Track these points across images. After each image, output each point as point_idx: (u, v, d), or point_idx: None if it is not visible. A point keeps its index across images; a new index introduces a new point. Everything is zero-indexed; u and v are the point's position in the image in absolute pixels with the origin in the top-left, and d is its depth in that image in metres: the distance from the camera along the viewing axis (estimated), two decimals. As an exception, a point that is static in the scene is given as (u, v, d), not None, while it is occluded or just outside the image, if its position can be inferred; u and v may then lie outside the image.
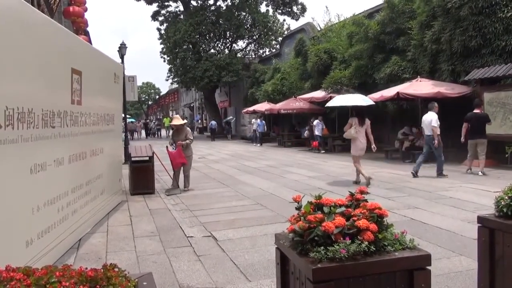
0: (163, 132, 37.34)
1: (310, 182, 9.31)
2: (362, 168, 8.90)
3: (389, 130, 16.66)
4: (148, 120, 44.34)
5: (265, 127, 23.35)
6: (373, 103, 10.06)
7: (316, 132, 17.48)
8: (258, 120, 23.10)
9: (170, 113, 67.17)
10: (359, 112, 8.97)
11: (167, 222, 6.07)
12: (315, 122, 17.61)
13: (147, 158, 8.59)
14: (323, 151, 16.92)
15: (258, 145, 21.47)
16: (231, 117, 32.62)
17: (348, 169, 11.45)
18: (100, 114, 6.22)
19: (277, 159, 14.80)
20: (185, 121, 9.04)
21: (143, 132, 38.75)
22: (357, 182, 8.81)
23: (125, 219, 6.35)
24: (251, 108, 25.15)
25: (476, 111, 9.94)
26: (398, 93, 12.33)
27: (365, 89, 16.23)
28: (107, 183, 6.71)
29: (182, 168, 8.63)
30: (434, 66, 12.96)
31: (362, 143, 8.70)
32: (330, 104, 10.60)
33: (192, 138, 8.71)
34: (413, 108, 14.25)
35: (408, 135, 13.51)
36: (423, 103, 13.54)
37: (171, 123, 8.93)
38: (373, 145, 8.65)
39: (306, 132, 19.35)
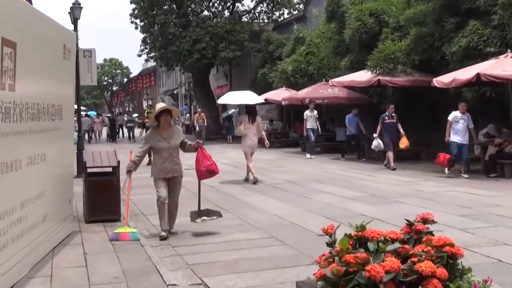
0: (137, 131, 37.16)
1: (348, 205, 9.26)
2: (252, 166, 12.61)
3: (465, 129, 16.54)
4: (116, 114, 44.66)
5: (360, 125, 18.40)
6: (263, 101, 14.14)
7: (459, 138, 12.93)
8: (351, 115, 18.88)
9: (144, 103, 67.65)
10: (249, 110, 13.02)
11: (138, 262, 6.07)
12: (454, 115, 13.18)
13: (110, 170, 8.59)
14: (467, 176, 12.73)
15: (311, 156, 19.03)
16: (232, 110, 32.64)
17: (405, 186, 11.38)
18: (42, 104, 6.27)
19: (300, 172, 14.77)
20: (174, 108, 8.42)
21: (106, 131, 38.85)
22: (247, 180, 12.64)
23: (78, 257, 6.36)
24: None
25: None
26: (478, 74, 12.23)
27: (430, 69, 16.12)
28: (52, 205, 6.74)
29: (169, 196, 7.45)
30: (533, 35, 12.84)
31: (252, 140, 12.62)
32: (220, 101, 15.05)
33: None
34: (501, 97, 14.12)
35: (494, 137, 13.38)
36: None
37: (152, 113, 7.94)
38: (266, 142, 13.26)
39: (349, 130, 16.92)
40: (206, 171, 7.52)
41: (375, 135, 15.40)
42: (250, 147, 12.74)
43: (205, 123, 29.46)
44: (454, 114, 13.17)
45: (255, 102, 14.21)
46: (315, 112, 19.56)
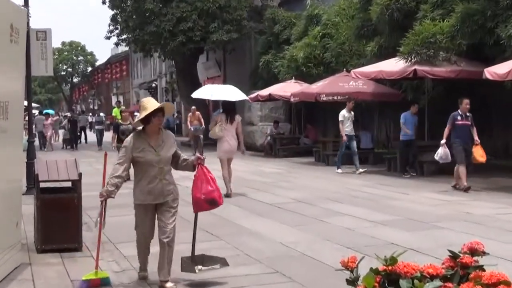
0: (107, 135, 36.91)
1: (374, 231, 9.28)
2: (230, 177, 13.40)
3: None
4: (77, 113, 44.64)
5: (414, 127, 17.39)
6: (246, 97, 15.23)
7: None
8: (408, 114, 17.43)
9: (113, 98, 67.68)
10: (227, 107, 13.83)
11: (104, 304, 6.07)
12: None
13: (69, 185, 8.61)
14: None
15: (360, 170, 18.06)
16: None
17: (449, 207, 11.37)
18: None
19: (312, 188, 14.82)
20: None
21: (62, 135, 38.80)
22: (227, 196, 12.68)
23: (27, 298, 6.35)
24: (264, 92, 25.13)
25: None
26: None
27: (481, 56, 16.11)
28: (-6, 230, 6.73)
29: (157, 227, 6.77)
30: None
31: (230, 145, 13.33)
32: (194, 95, 16.01)
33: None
34: None
35: None
36: None
37: (139, 114, 6.89)
38: (242, 148, 13.99)
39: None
40: (206, 201, 6.77)
41: (442, 141, 14.13)
42: (227, 153, 13.49)
43: (203, 126, 28.06)
44: None
45: (238, 99, 14.97)
46: (352, 112, 18.75)
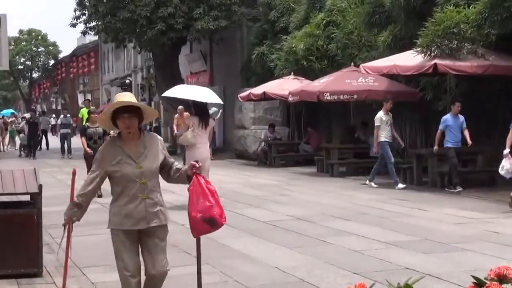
0: (75, 140, 36.93)
1: (386, 254, 9.28)
2: None
3: None
4: (38, 114, 44.43)
5: (466, 132, 16.53)
6: (221, 102, 16.74)
7: None
8: (450, 116, 16.62)
9: (80, 97, 67.60)
10: (200, 110, 14.11)
11: None
12: None
13: (28, 198, 8.61)
14: None
15: (372, 184, 17.76)
16: (214, 109, 32.64)
17: (473, 226, 11.40)
18: None
19: (314, 203, 14.84)
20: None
21: (20, 140, 38.72)
22: None
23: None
24: (258, 89, 25.11)
25: None
26: None
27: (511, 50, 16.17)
28: None
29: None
30: None
31: (201, 152, 13.46)
32: (165, 94, 16.55)
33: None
34: None
35: None
36: None
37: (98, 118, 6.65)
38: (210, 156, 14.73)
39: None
40: (203, 220, 6.04)
41: (505, 151, 13.37)
42: (200, 161, 13.33)
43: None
44: None
45: (210, 101, 15.22)
46: (390, 114, 18.14)
